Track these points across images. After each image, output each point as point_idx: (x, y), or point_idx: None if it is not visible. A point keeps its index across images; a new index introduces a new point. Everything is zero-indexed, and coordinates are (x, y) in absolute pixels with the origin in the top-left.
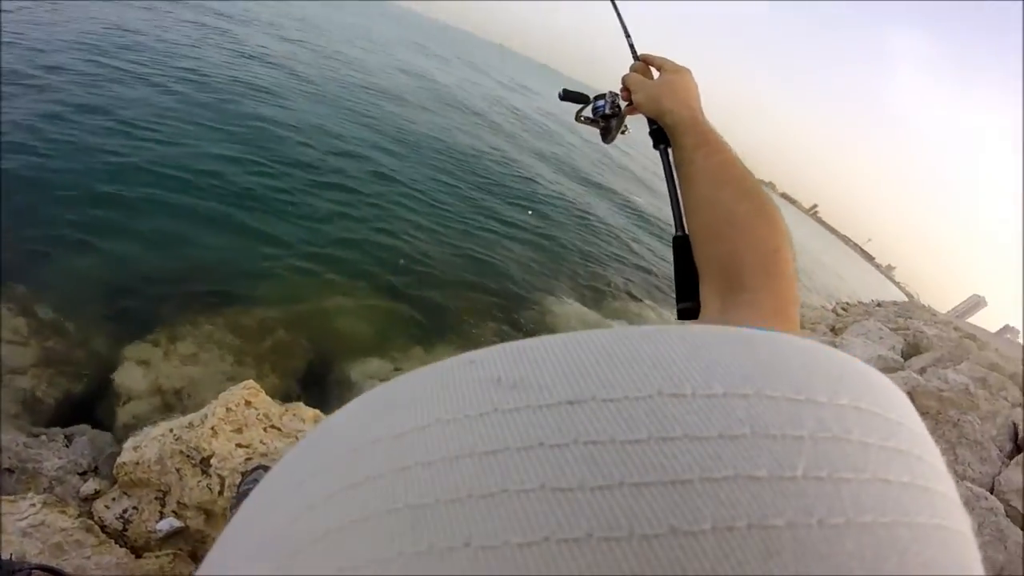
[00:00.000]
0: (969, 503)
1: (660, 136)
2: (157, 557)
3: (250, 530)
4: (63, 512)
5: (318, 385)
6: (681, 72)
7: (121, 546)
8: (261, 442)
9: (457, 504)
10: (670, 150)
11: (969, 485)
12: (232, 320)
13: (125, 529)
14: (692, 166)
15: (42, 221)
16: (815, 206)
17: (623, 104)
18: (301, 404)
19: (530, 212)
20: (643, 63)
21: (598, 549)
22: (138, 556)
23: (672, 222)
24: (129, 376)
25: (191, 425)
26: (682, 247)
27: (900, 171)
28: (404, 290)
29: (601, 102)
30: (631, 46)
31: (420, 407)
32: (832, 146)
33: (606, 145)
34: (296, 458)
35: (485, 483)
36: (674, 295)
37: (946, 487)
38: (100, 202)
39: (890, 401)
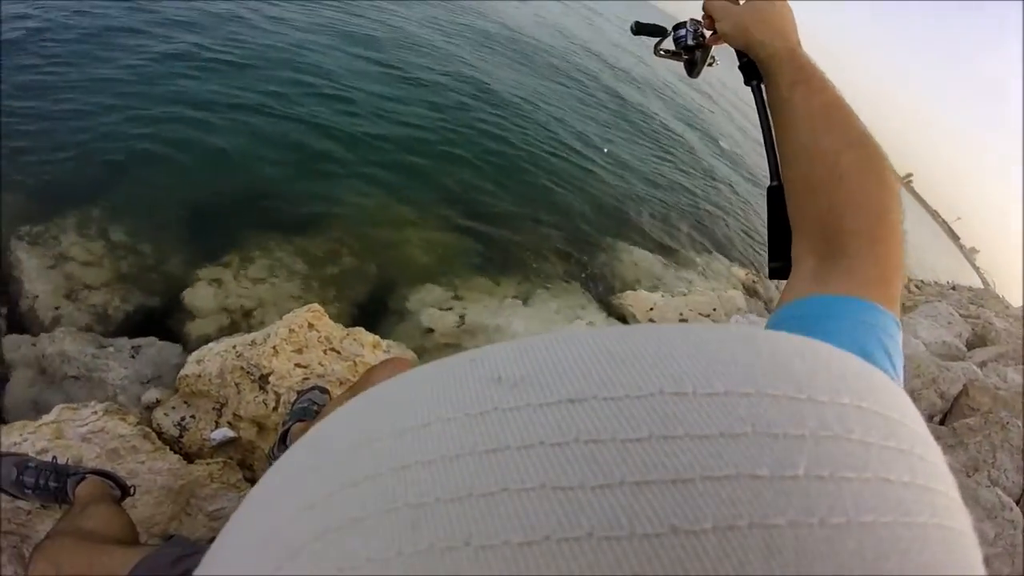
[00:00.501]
0: (993, 511)
1: (751, 71)
2: (208, 464)
3: (249, 529)
4: (123, 419)
5: (381, 311)
6: None
7: (175, 452)
8: (320, 364)
9: (457, 503)
10: (763, 86)
11: (999, 492)
12: (302, 244)
13: (181, 436)
14: (789, 106)
15: (117, 141)
16: (910, 175)
17: (707, 33)
18: (362, 329)
19: (605, 151)
20: None
21: (599, 548)
22: (190, 462)
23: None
24: (199, 295)
25: (254, 343)
26: (776, 199)
27: (1010, 153)
28: (472, 218)
29: (682, 31)
30: None
31: (421, 405)
32: (932, 111)
33: (693, 79)
34: (296, 456)
35: (485, 482)
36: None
37: (947, 487)
38: (177, 123)
39: (891, 400)
